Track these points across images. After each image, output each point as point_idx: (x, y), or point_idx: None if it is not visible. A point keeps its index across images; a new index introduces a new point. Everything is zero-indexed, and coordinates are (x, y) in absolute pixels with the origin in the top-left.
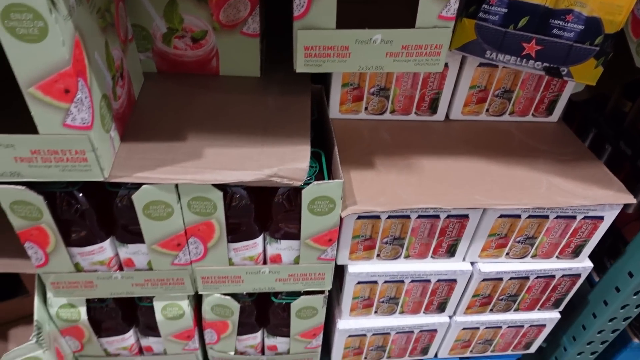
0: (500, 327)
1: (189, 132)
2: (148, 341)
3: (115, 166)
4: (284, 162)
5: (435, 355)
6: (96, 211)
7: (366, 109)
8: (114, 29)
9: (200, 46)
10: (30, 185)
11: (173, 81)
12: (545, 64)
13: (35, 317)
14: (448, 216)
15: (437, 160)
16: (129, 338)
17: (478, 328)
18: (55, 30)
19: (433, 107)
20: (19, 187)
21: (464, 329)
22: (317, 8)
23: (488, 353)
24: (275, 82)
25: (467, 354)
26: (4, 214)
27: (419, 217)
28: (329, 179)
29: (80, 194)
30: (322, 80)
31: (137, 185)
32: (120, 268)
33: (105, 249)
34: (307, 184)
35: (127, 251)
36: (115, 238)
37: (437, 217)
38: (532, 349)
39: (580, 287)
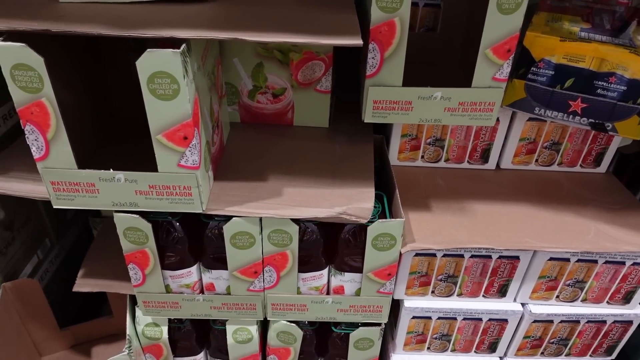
0: None
1: (269, 174)
2: None
3: (211, 201)
4: (351, 201)
5: None
6: (189, 239)
7: (422, 157)
8: (215, 87)
9: (279, 101)
10: (142, 213)
11: (254, 130)
12: (590, 120)
13: (127, 332)
14: (500, 257)
15: (488, 205)
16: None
17: None
18: (184, 91)
19: (485, 157)
20: (135, 215)
21: None
22: (387, 69)
23: None
24: (342, 132)
25: None
26: (108, 244)
27: (472, 256)
28: (391, 218)
29: (178, 224)
30: (382, 131)
31: (228, 218)
32: (201, 291)
33: (192, 274)
34: (371, 221)
35: (211, 276)
36: (202, 264)
37: (489, 257)
38: None
39: (634, 335)
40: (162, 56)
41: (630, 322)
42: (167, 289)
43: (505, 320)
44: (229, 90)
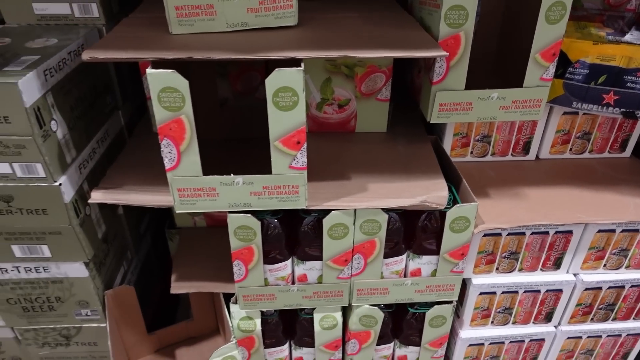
0: (600, 337)
1: (349, 174)
2: (301, 352)
3: (309, 199)
4: (428, 191)
5: None
6: (286, 235)
7: (472, 152)
8: None
9: (343, 111)
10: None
11: (321, 138)
12: (622, 109)
13: (230, 325)
14: (556, 232)
15: (537, 190)
16: (285, 350)
17: (580, 337)
18: (302, 102)
19: (526, 149)
20: (247, 214)
21: (568, 338)
22: (452, 75)
23: None
24: (399, 135)
25: None
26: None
27: (532, 233)
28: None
29: (277, 221)
30: (433, 132)
31: (322, 212)
32: (293, 282)
33: (287, 266)
34: (447, 207)
35: (304, 267)
36: (296, 257)
37: (547, 233)
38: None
39: None
40: (288, 73)
41: None
42: (266, 282)
43: (560, 290)
44: None
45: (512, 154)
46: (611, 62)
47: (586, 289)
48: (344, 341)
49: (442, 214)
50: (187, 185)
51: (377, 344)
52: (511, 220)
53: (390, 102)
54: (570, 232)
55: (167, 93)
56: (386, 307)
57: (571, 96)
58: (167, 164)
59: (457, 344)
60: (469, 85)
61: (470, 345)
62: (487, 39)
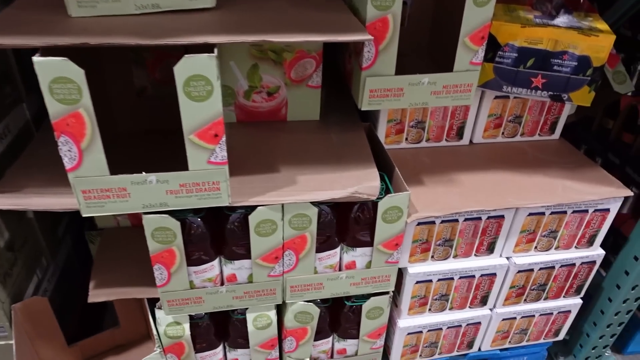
0: (534, 316)
1: (278, 166)
2: (236, 353)
3: (233, 194)
4: (360, 182)
5: (479, 349)
6: (210, 234)
7: (406, 139)
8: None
9: (273, 98)
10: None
11: (251, 128)
12: (550, 92)
13: (154, 332)
14: (488, 217)
15: (471, 175)
16: (219, 352)
17: (515, 318)
18: (217, 91)
19: (460, 134)
20: (164, 215)
21: (503, 319)
22: (381, 60)
23: (524, 343)
24: (332, 123)
25: (507, 345)
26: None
27: (465, 220)
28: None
29: (200, 220)
30: (367, 119)
31: (248, 209)
32: (222, 283)
33: (214, 267)
34: (379, 197)
35: (232, 267)
36: (223, 256)
37: (479, 219)
38: (561, 336)
39: (595, 277)
40: (199, 60)
41: (594, 262)
42: (191, 285)
43: (494, 274)
44: (225, 92)
45: (446, 139)
46: (539, 45)
47: (519, 272)
48: (280, 339)
49: (375, 204)
50: (92, 187)
51: (315, 340)
52: (444, 207)
53: (322, 89)
54: (502, 216)
55: (60, 84)
56: (322, 302)
57: (501, 80)
58: (67, 163)
59: (395, 334)
60: (405, 71)
61: (409, 333)
62: (420, 23)
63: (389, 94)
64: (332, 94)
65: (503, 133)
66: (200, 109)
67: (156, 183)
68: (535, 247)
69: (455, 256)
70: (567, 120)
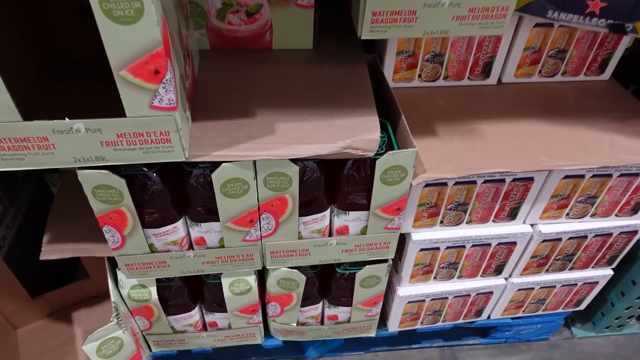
0: (555, 287)
1: (255, 108)
2: (213, 317)
3: (193, 146)
4: (355, 133)
5: (488, 317)
6: (170, 192)
7: (420, 76)
8: (181, 7)
9: (254, 20)
10: (109, 168)
11: (228, 57)
12: (609, 21)
13: (112, 299)
14: (513, 179)
15: (496, 124)
16: (195, 315)
17: (533, 288)
18: (150, 10)
19: (486, 71)
20: (103, 171)
21: (519, 290)
22: None
23: (539, 312)
24: (329, 54)
25: (519, 314)
26: (72, 202)
27: (485, 182)
28: (398, 148)
29: (156, 175)
30: (372, 50)
31: (214, 164)
32: (190, 246)
33: (178, 229)
34: (379, 154)
35: (200, 230)
36: (188, 217)
37: (503, 181)
38: (582, 306)
39: (634, 245)
40: None
41: (635, 232)
42: (152, 249)
43: (514, 243)
44: (194, 11)
45: (469, 78)
46: None
47: (544, 241)
48: (263, 303)
49: (373, 161)
50: (4, 135)
51: (303, 306)
52: (460, 167)
53: (316, 9)
54: (531, 179)
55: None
56: (311, 268)
57: (546, 2)
58: None
59: (394, 301)
60: None
61: (409, 302)
62: None
63: (398, 19)
64: (331, 17)
65: (540, 71)
66: (129, 35)
67: (85, 132)
68: (567, 214)
69: (469, 222)
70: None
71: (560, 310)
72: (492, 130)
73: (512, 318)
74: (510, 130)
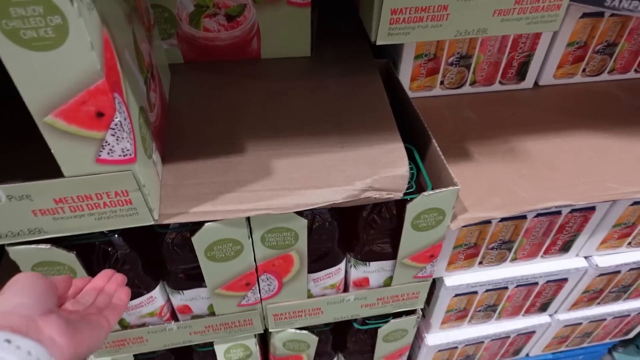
0: (605, 319)
1: (245, 140)
2: None
3: (165, 200)
4: (376, 169)
5: (527, 355)
6: (141, 256)
7: (442, 83)
8: (138, 14)
9: (237, 25)
10: (57, 238)
11: (206, 72)
12: None
13: None
14: (572, 210)
15: (542, 141)
16: None
17: (580, 323)
18: (78, 27)
19: (521, 73)
20: (43, 246)
21: (565, 326)
22: None
23: (584, 345)
24: (331, 61)
25: (562, 349)
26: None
27: (538, 215)
28: (430, 181)
29: (120, 238)
30: (383, 54)
31: (195, 224)
32: (173, 316)
33: (155, 298)
34: (408, 193)
35: (183, 298)
36: (167, 284)
37: (559, 213)
38: (632, 334)
39: None
40: None
41: None
42: (123, 324)
43: (565, 280)
44: (160, 17)
45: (500, 82)
46: None
47: (600, 275)
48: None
49: (400, 201)
50: None
51: None
52: (509, 201)
53: (314, 7)
54: (593, 208)
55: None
56: (325, 325)
57: None
58: None
59: (421, 350)
60: None
61: (440, 350)
62: None
63: (424, 17)
64: (330, 15)
65: (584, 70)
66: (49, 64)
67: (8, 201)
68: (629, 243)
69: (513, 259)
70: None
71: (607, 340)
72: (539, 148)
73: (552, 353)
74: (561, 147)
